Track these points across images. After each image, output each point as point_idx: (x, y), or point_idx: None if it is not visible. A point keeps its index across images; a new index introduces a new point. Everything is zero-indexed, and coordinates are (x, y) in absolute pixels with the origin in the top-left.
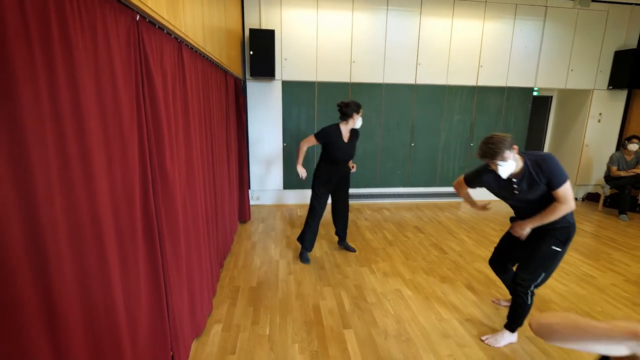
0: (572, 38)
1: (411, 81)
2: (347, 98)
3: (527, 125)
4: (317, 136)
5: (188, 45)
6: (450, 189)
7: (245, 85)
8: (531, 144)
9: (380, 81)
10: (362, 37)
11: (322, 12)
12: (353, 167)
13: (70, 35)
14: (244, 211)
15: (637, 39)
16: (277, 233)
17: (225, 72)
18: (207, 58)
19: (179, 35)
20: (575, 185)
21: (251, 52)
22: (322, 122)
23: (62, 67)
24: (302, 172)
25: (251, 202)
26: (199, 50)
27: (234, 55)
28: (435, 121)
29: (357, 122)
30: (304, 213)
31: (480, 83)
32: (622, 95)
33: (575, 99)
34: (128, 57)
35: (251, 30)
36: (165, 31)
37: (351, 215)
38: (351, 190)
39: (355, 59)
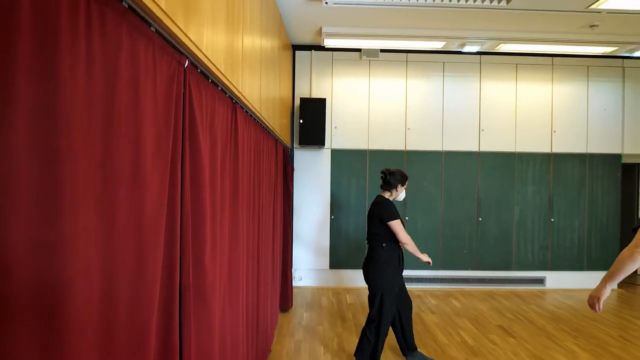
0: None
1: (474, 148)
2: (402, 166)
3: (619, 197)
4: (397, 213)
5: (243, 108)
6: (533, 274)
7: (293, 153)
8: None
9: (439, 148)
10: (417, 103)
11: (375, 80)
12: None
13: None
14: (286, 297)
15: None
16: (326, 329)
17: (276, 140)
18: (261, 124)
19: (234, 95)
20: None
21: (301, 121)
22: (375, 192)
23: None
24: (427, 258)
25: (293, 283)
26: (254, 114)
27: (285, 124)
28: (506, 193)
29: (400, 194)
30: (355, 300)
31: (556, 150)
32: None
33: None
34: (166, 112)
35: (302, 99)
36: (219, 87)
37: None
38: (408, 272)
39: (410, 126)
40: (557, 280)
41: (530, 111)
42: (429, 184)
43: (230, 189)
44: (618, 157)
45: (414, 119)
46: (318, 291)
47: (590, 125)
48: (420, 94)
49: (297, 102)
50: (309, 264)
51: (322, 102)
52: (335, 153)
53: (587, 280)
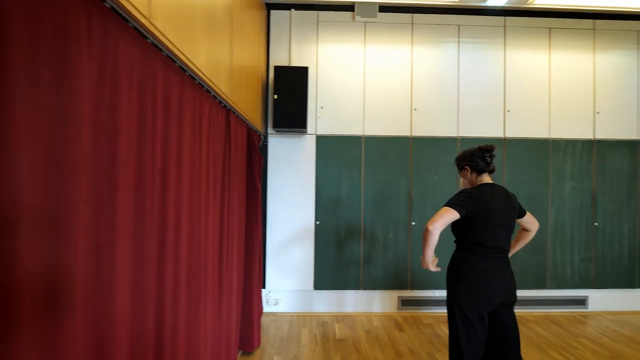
0: None
1: (498, 134)
2: (407, 156)
3: None
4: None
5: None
6: (573, 293)
7: (267, 141)
8: None
9: (454, 134)
10: (425, 77)
11: (372, 48)
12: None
13: None
14: (249, 334)
15: None
16: None
17: (228, 111)
18: (215, 96)
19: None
20: None
21: (275, 96)
22: (372, 189)
23: None
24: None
25: (266, 309)
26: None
27: (250, 98)
28: (538, 189)
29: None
30: (347, 334)
31: (600, 136)
32: None
33: None
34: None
35: (277, 68)
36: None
37: (428, 331)
38: (422, 293)
39: (417, 106)
40: (601, 300)
41: (567, 88)
42: (442, 179)
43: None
44: None
45: (421, 98)
46: (299, 320)
47: None
48: (430, 65)
49: (272, 73)
50: (287, 283)
51: (303, 71)
52: (321, 140)
53: (637, 299)
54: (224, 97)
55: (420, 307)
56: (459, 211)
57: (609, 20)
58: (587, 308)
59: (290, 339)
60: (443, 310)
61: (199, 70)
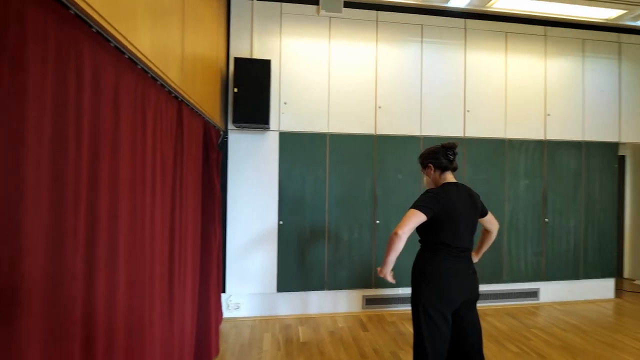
0: None
1: (458, 133)
2: (371, 154)
3: (616, 193)
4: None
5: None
6: (526, 286)
7: (227, 137)
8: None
9: (417, 133)
10: (390, 75)
11: (337, 44)
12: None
13: None
14: (206, 344)
15: None
16: None
17: (180, 103)
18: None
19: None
20: None
21: (235, 90)
22: (337, 188)
23: None
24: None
25: (226, 314)
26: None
27: (207, 90)
28: (496, 187)
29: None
30: (310, 337)
31: (550, 136)
32: None
33: None
34: None
35: (237, 60)
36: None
37: (392, 330)
38: (386, 292)
39: (381, 104)
40: (551, 291)
41: (522, 89)
42: (405, 177)
43: None
44: (615, 146)
45: (386, 96)
46: (261, 324)
47: (587, 108)
48: (394, 63)
49: (232, 65)
50: (249, 287)
51: (265, 64)
52: (285, 137)
53: (583, 290)
54: (174, 86)
55: (384, 305)
56: (426, 213)
57: (558, 28)
58: (538, 300)
59: (251, 345)
60: (406, 308)
61: (142, 54)
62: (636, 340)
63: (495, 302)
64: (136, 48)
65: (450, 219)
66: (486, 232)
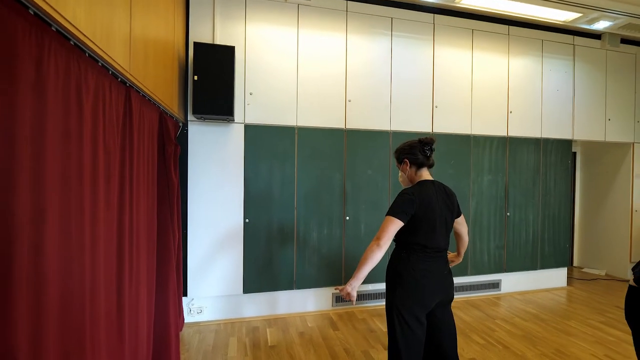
0: (605, 82)
1: (427, 128)
2: (341, 149)
3: (569, 186)
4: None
5: None
6: (489, 278)
7: (187, 129)
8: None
9: (386, 128)
10: (360, 68)
11: (306, 33)
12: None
13: None
14: (165, 354)
15: None
16: None
17: (128, 88)
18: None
19: None
20: (631, 263)
21: (195, 77)
22: (306, 183)
23: None
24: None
25: (188, 319)
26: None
27: (163, 77)
28: (461, 183)
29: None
30: (279, 339)
31: (512, 133)
32: None
33: (610, 154)
34: None
35: (197, 44)
36: None
37: (362, 327)
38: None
39: (351, 97)
40: (511, 282)
41: (487, 86)
42: (375, 173)
43: None
44: (568, 143)
45: (356, 89)
46: (226, 328)
47: (545, 106)
48: (364, 56)
49: (192, 51)
50: (213, 289)
51: (228, 51)
52: (250, 130)
53: (539, 279)
54: (120, 70)
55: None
56: (403, 219)
57: (520, 28)
58: (500, 290)
59: (215, 351)
60: (376, 304)
61: (74, 27)
62: (587, 326)
63: (460, 295)
64: (65, 19)
65: (426, 220)
66: (457, 236)
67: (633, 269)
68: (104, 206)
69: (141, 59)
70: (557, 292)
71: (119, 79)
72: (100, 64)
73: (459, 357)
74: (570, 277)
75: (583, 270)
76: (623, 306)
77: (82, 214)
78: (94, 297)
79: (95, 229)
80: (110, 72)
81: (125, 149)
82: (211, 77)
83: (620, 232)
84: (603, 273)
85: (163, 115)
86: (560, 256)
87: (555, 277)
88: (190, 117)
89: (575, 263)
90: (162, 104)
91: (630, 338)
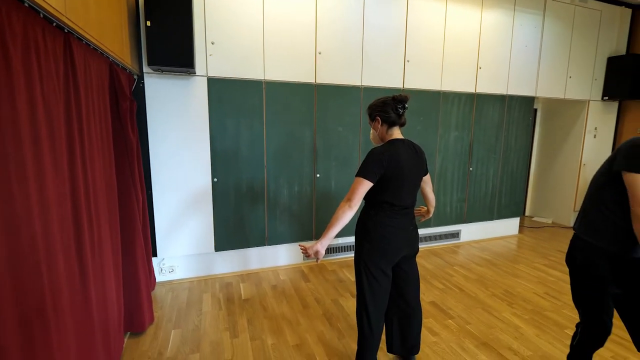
0: (570, 39)
1: (398, 84)
2: (311, 105)
3: (529, 143)
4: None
5: None
6: (450, 229)
7: (143, 83)
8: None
9: (357, 83)
10: (331, 17)
11: None
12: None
13: None
14: (138, 313)
15: (626, 44)
16: (207, 355)
17: (67, 35)
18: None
19: None
20: (574, 212)
21: (148, 23)
22: (275, 140)
23: None
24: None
25: (159, 279)
26: None
27: (110, 22)
28: (429, 138)
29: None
30: (253, 293)
31: (480, 90)
32: (614, 107)
33: (567, 111)
34: None
35: None
36: None
37: (332, 278)
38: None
39: (321, 49)
40: (469, 232)
41: (459, 41)
42: (346, 130)
43: None
44: (531, 100)
45: (326, 41)
46: (199, 285)
47: (513, 63)
48: (335, 4)
49: None
50: (183, 248)
51: None
52: (214, 84)
53: (495, 228)
54: (53, 12)
55: (325, 255)
56: (372, 180)
57: None
58: (459, 240)
59: (190, 307)
60: (345, 256)
61: None
62: (533, 269)
63: (424, 245)
64: None
65: (394, 180)
66: (424, 195)
67: (573, 227)
68: (51, 168)
69: (79, 1)
70: (509, 239)
71: (54, 24)
72: (27, 5)
73: (421, 302)
74: (521, 226)
75: (533, 219)
76: (565, 250)
77: (23, 178)
78: (50, 261)
79: (43, 193)
80: (41, 15)
81: (70, 105)
82: (167, 23)
83: (568, 184)
84: (550, 221)
85: (114, 67)
86: (516, 206)
87: (509, 226)
88: (146, 69)
89: (527, 213)
90: (112, 54)
91: (568, 277)
